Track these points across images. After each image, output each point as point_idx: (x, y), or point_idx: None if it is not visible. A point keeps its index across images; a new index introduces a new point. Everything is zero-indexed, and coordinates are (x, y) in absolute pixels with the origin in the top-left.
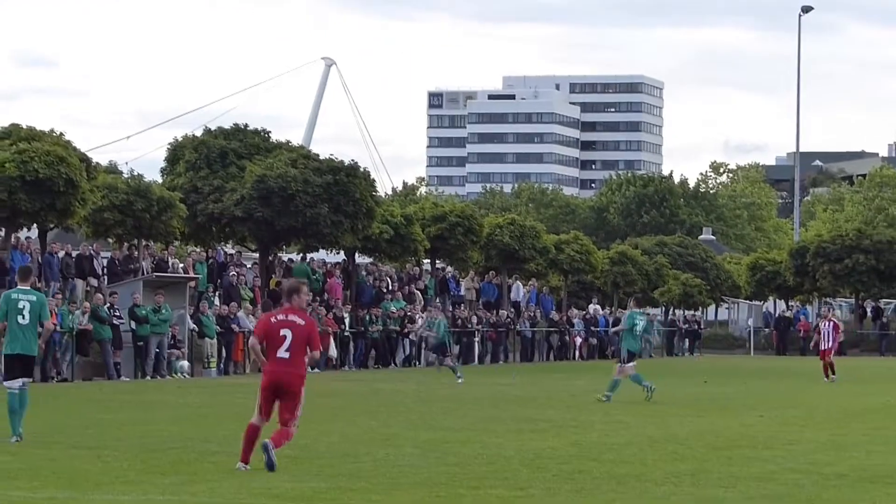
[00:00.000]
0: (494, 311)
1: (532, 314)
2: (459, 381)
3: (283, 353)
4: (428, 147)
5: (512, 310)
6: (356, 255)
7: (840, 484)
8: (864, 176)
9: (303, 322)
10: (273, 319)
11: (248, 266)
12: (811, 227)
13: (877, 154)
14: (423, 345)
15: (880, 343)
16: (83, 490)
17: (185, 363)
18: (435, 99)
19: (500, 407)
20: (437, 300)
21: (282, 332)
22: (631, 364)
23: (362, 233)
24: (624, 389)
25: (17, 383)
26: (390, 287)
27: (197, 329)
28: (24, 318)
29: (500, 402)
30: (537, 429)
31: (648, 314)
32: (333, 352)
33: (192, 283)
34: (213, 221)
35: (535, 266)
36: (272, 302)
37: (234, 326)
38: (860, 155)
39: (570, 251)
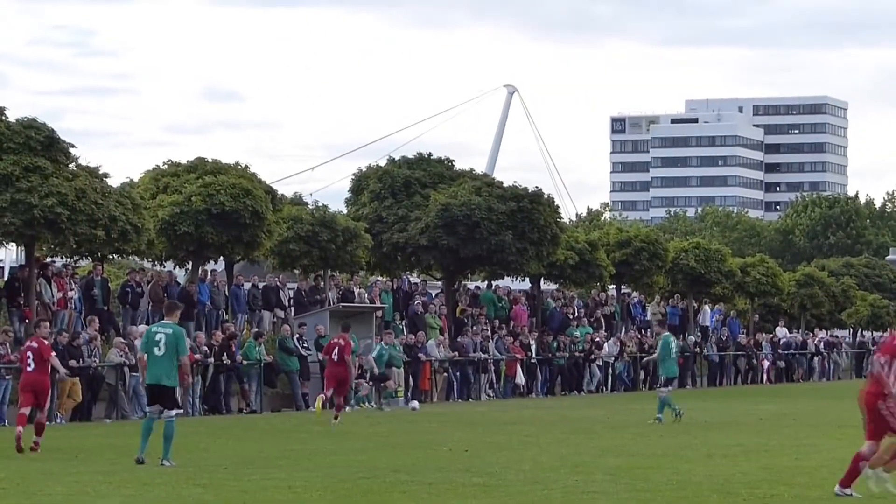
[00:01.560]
0: (680, 336)
1: (720, 338)
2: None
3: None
4: (611, 172)
5: (699, 334)
6: (541, 281)
7: None
8: None
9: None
10: None
11: (434, 295)
12: None
13: None
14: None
15: None
16: None
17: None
18: (618, 124)
19: (690, 433)
20: (622, 325)
21: None
22: (668, 389)
23: (547, 259)
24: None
25: (155, 409)
26: (576, 313)
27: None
28: (160, 349)
29: (690, 428)
30: (728, 454)
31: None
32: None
33: (379, 313)
34: (398, 250)
35: (721, 290)
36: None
37: (420, 355)
38: None
39: (755, 274)
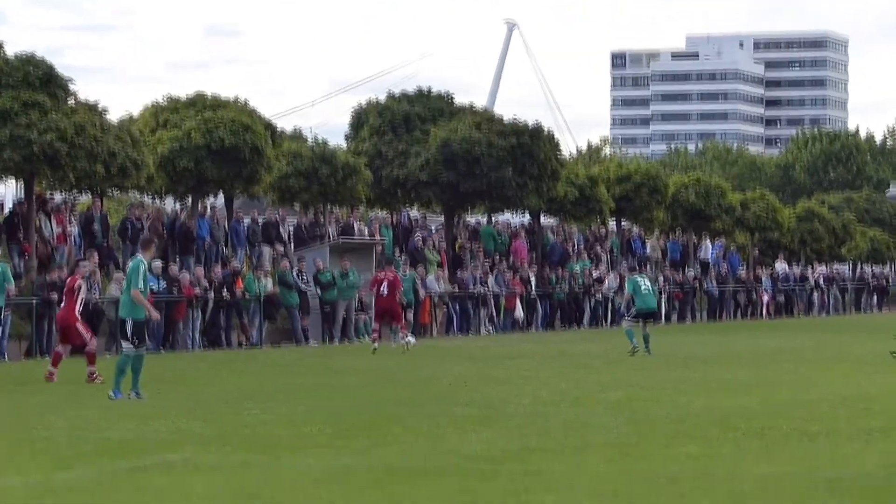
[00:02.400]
0: (680, 271)
1: (719, 272)
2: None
3: None
4: (612, 107)
5: (699, 268)
6: (541, 216)
7: None
8: None
9: None
10: None
11: (434, 229)
12: None
13: None
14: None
15: None
16: (275, 455)
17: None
18: (618, 59)
19: (689, 366)
20: (623, 260)
21: None
22: (631, 320)
23: (547, 194)
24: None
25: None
26: (576, 248)
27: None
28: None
29: (689, 362)
30: (726, 387)
31: (648, 275)
32: None
33: (379, 248)
34: (398, 186)
35: (721, 225)
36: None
37: (421, 290)
38: None
39: (756, 209)
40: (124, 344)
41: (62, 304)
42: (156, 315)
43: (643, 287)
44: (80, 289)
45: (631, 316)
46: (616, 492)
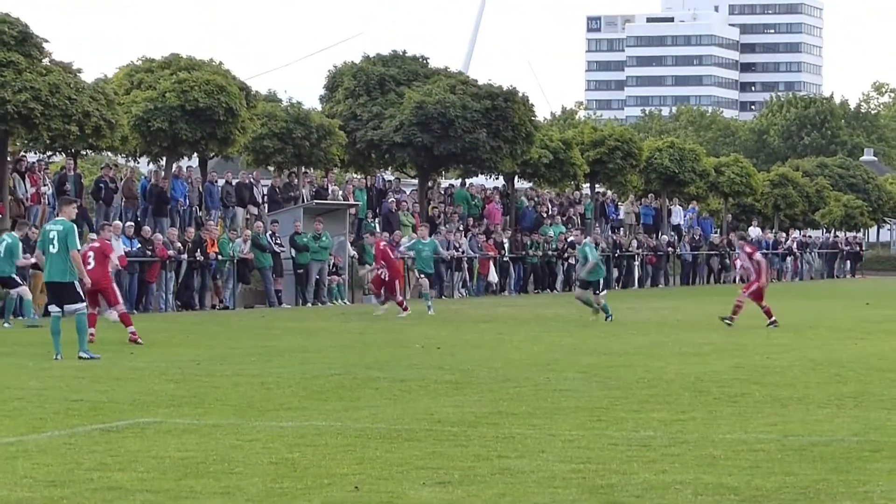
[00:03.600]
0: (654, 235)
1: (693, 237)
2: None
3: None
4: (586, 71)
5: (672, 233)
6: (515, 179)
7: None
8: None
9: None
10: None
11: (408, 192)
12: None
13: None
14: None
15: None
16: (247, 417)
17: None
18: (593, 23)
19: (662, 332)
20: (596, 225)
21: None
22: (584, 291)
23: (521, 158)
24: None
25: (56, 308)
26: (550, 212)
27: (357, 256)
28: (53, 247)
29: (662, 327)
30: (699, 352)
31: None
32: None
33: (352, 210)
34: (373, 148)
35: (695, 189)
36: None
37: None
38: None
39: (730, 174)
40: (77, 305)
41: (92, 267)
42: (88, 281)
43: (590, 257)
44: (113, 252)
45: (597, 289)
46: (588, 457)
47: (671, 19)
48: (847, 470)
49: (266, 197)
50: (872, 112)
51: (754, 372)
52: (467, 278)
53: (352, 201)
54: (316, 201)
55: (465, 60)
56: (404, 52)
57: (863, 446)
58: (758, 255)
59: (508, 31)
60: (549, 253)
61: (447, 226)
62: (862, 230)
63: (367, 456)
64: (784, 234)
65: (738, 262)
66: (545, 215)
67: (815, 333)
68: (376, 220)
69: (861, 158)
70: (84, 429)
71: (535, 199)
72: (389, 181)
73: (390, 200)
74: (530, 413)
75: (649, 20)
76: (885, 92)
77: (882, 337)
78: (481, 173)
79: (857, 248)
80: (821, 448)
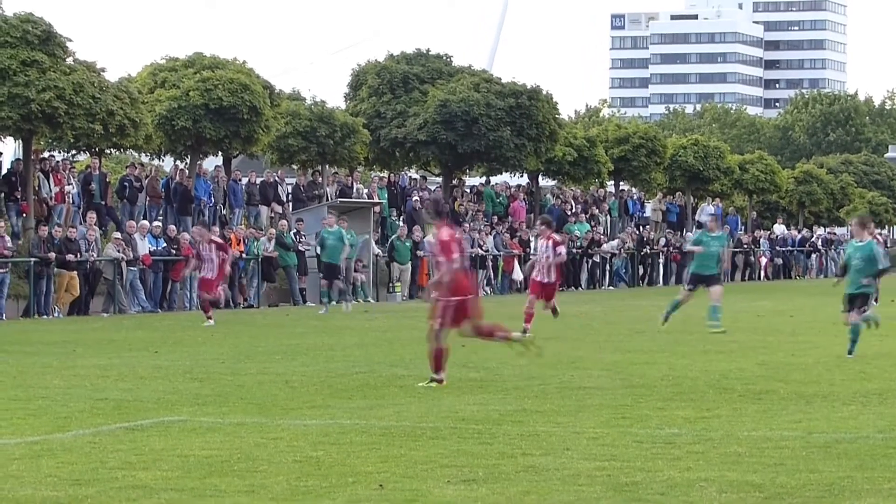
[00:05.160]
0: (679, 233)
1: None
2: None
3: None
4: (611, 69)
5: (697, 230)
6: (539, 177)
7: None
8: None
9: None
10: None
11: (432, 190)
12: None
13: None
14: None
15: None
16: (271, 415)
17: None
18: (617, 20)
19: (686, 329)
20: (620, 222)
21: None
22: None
23: (545, 155)
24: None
25: None
26: (574, 209)
27: (382, 254)
28: None
29: (686, 324)
30: (724, 350)
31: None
32: None
33: (376, 209)
34: (397, 146)
35: (720, 186)
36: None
37: (419, 252)
38: None
39: (754, 171)
40: None
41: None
42: None
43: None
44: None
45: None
46: (612, 455)
47: (695, 16)
48: (872, 467)
49: (290, 195)
50: None
51: (779, 369)
52: (492, 276)
53: (376, 200)
54: (340, 200)
55: (489, 58)
56: (428, 50)
57: (888, 443)
58: (562, 249)
59: (532, 29)
60: (574, 251)
61: (472, 223)
62: (886, 227)
63: (392, 454)
64: (809, 231)
65: (543, 254)
66: (570, 213)
67: (840, 330)
68: (400, 218)
69: (886, 155)
70: (108, 427)
71: (560, 196)
72: (414, 179)
73: (414, 199)
74: (555, 411)
75: (673, 17)
76: None
77: None
78: (505, 171)
79: (883, 246)
80: (845, 445)
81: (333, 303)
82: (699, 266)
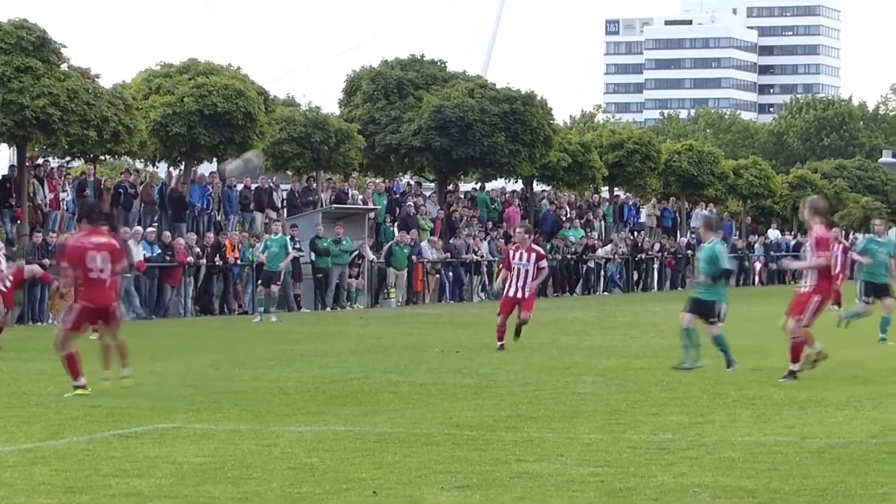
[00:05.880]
0: (672, 238)
1: None
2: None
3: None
4: (605, 74)
5: (692, 236)
6: (534, 183)
7: None
8: None
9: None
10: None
11: (427, 196)
12: None
13: None
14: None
15: None
16: (265, 422)
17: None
18: (611, 25)
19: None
20: (615, 228)
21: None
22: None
23: (540, 161)
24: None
25: None
26: (569, 215)
27: (377, 260)
28: None
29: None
30: (717, 355)
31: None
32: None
33: (372, 214)
34: (392, 152)
35: (714, 192)
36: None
37: (414, 257)
38: None
39: (748, 176)
40: None
41: None
42: None
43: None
44: None
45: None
46: (606, 460)
47: (689, 22)
48: (865, 472)
49: (285, 201)
50: (891, 114)
51: (773, 374)
52: (486, 282)
53: (371, 206)
54: (335, 206)
55: (484, 64)
56: (422, 56)
57: (881, 448)
58: (544, 263)
59: (527, 34)
60: (569, 256)
61: (466, 229)
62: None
63: (386, 460)
64: (803, 237)
65: (523, 268)
66: (564, 218)
67: (836, 335)
68: (395, 224)
69: (880, 160)
70: (102, 435)
71: (555, 202)
72: (409, 185)
73: (409, 204)
74: (549, 416)
75: (667, 23)
76: None
77: None
78: (500, 177)
79: None
80: (839, 450)
81: (265, 311)
82: (870, 275)
